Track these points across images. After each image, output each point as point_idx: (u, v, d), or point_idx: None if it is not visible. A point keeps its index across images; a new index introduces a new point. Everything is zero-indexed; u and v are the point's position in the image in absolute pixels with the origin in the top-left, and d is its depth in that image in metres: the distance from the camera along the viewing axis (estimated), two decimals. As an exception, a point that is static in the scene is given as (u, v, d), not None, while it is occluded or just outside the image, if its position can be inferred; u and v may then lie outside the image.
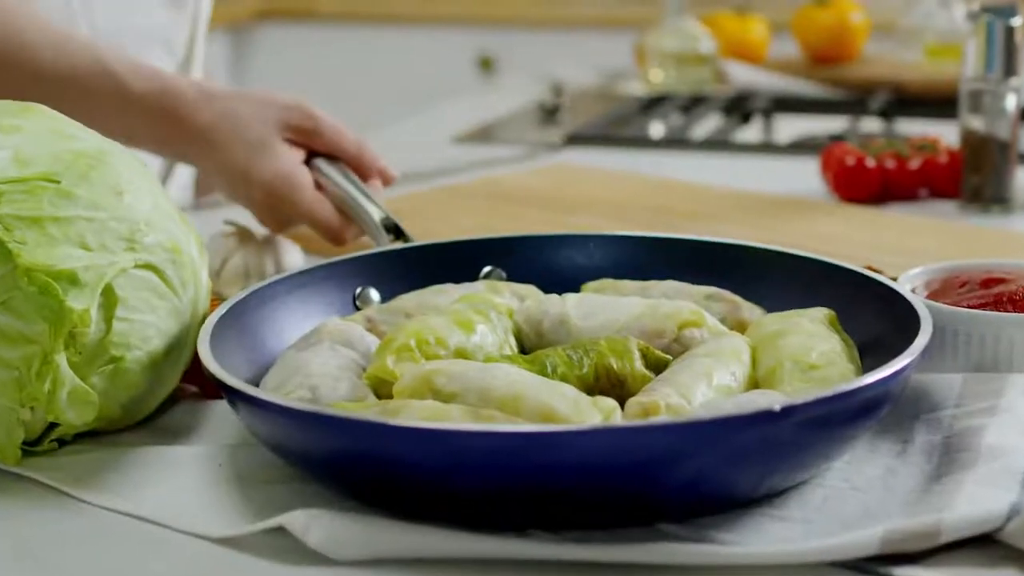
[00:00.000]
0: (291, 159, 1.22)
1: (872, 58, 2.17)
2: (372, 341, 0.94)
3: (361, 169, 1.24)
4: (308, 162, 1.24)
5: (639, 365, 0.89)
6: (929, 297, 0.98)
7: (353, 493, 0.81)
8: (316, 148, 1.24)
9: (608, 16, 3.15)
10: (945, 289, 0.99)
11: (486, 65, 3.23)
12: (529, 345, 0.96)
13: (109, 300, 0.87)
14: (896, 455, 0.84)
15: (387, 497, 0.80)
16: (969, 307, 0.95)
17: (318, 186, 1.23)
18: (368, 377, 0.90)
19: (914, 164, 1.49)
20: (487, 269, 1.06)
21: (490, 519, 0.78)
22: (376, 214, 1.18)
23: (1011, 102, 1.40)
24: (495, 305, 0.97)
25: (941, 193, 1.49)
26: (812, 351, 0.88)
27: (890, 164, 1.49)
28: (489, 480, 0.76)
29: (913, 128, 1.81)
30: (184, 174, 1.50)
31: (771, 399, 0.80)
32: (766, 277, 0.99)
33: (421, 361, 0.89)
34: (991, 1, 1.41)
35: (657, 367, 0.89)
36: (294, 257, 1.19)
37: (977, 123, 1.41)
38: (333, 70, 3.22)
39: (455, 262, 1.05)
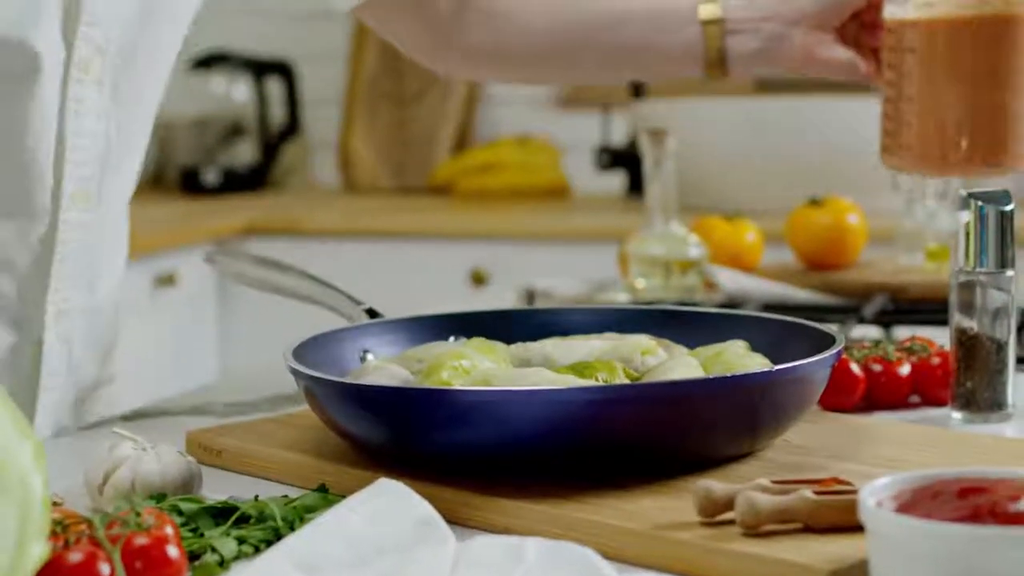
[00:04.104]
0: None
1: (869, 263, 2.04)
2: (406, 374, 1.17)
3: None
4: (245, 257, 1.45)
5: (622, 379, 1.15)
6: (898, 511, 0.83)
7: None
8: None
9: (600, 229, 3.05)
10: (916, 501, 0.84)
11: (478, 279, 3.13)
12: None
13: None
14: None
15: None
16: (942, 520, 0.80)
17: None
18: None
19: (903, 369, 1.35)
20: (451, 339, 1.27)
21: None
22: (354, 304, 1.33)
23: (1006, 297, 1.26)
24: (493, 347, 1.22)
25: (934, 400, 1.34)
26: (753, 361, 1.15)
27: (876, 368, 1.34)
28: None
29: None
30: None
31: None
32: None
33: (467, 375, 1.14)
34: (982, 186, 1.28)
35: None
36: (175, 463, 1.06)
37: (969, 321, 1.28)
38: (321, 284, 3.11)
39: (427, 332, 1.29)
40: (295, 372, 1.14)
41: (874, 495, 0.84)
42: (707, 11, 1.42)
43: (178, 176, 3.78)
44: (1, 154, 1.25)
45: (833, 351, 1.11)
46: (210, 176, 3.72)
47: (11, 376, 1.31)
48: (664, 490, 1.02)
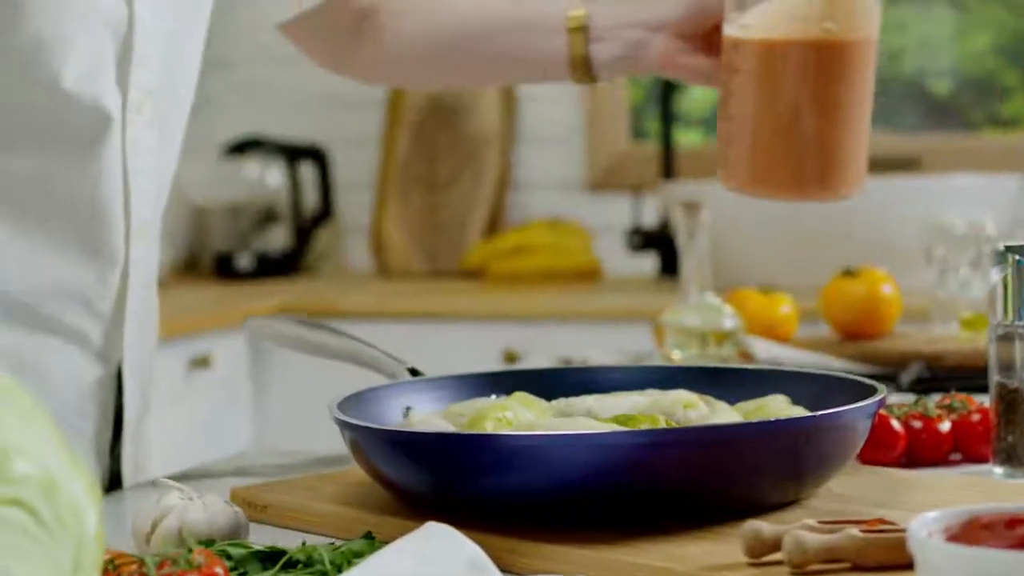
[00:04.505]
0: None
1: (904, 333, 2.04)
2: (449, 427, 1.18)
3: None
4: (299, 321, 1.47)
5: None
6: (948, 541, 0.83)
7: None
8: None
9: (632, 308, 3.05)
10: (965, 533, 0.84)
11: (510, 358, 3.13)
12: None
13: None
14: None
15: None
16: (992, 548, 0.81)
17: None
18: None
19: (944, 425, 1.35)
20: (493, 397, 1.28)
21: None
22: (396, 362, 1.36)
23: (1046, 351, 1.27)
24: (535, 401, 1.25)
25: (975, 456, 1.34)
26: (794, 412, 1.17)
27: (916, 425, 1.35)
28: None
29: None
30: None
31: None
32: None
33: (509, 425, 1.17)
34: (1016, 240, 1.29)
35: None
36: (222, 512, 1.07)
37: (1009, 376, 1.28)
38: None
39: (469, 390, 1.31)
40: (341, 423, 1.15)
41: (924, 527, 0.84)
42: (572, 20, 1.48)
43: (212, 261, 3.80)
44: (82, 205, 1.31)
45: (875, 399, 1.12)
46: (243, 261, 3.74)
47: (97, 409, 1.36)
48: (709, 535, 1.03)
